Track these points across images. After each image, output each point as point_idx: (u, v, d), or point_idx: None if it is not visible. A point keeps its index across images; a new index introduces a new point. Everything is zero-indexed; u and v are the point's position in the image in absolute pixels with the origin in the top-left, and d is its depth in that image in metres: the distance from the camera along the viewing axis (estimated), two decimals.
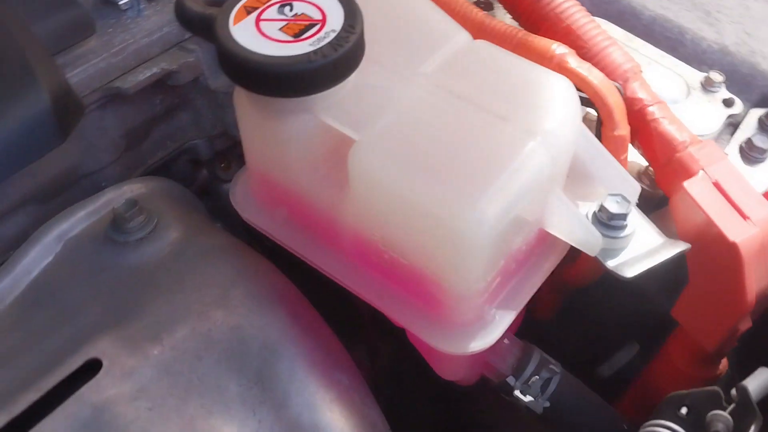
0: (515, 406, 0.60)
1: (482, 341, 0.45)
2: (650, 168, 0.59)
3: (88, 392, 0.46)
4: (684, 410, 0.47)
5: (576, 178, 0.48)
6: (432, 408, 0.74)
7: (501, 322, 0.46)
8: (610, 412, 0.58)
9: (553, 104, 0.45)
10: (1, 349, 0.50)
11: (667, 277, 0.60)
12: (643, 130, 0.54)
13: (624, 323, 0.69)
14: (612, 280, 0.60)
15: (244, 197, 0.55)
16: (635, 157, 0.59)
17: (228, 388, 0.48)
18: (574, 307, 0.70)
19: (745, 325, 0.53)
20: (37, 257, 0.56)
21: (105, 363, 0.48)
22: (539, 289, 0.50)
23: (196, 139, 0.70)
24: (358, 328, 0.72)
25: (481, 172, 0.41)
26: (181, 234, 0.57)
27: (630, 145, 0.55)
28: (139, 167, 0.66)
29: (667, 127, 0.53)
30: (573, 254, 0.52)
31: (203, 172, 0.76)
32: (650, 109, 0.54)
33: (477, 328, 0.46)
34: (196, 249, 0.56)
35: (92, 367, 0.48)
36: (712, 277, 0.52)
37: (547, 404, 0.56)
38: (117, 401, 0.46)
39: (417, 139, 0.43)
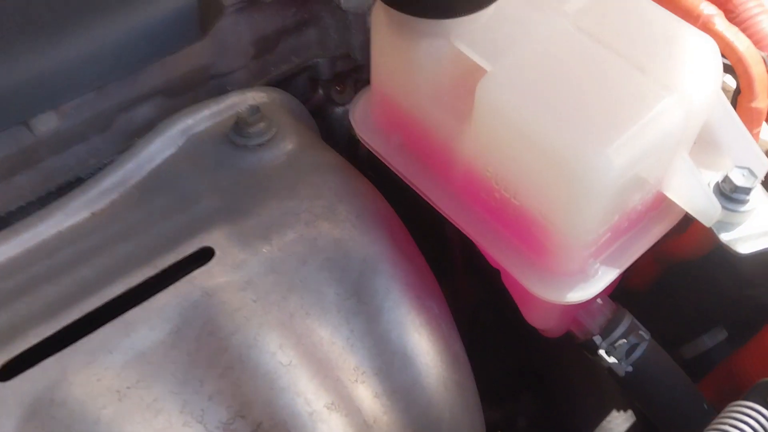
0: (595, 367, 0.62)
1: (581, 293, 0.47)
2: None
3: (200, 276, 0.50)
4: None
5: (703, 144, 0.48)
6: (508, 357, 0.76)
7: (603, 277, 0.47)
8: (693, 389, 0.58)
9: (694, 64, 0.45)
10: (122, 226, 0.55)
11: None
12: None
13: (718, 306, 0.69)
14: (717, 258, 0.60)
15: (363, 117, 0.57)
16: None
17: (327, 295, 0.51)
18: (671, 281, 0.70)
19: None
20: (161, 147, 0.60)
21: (217, 252, 0.52)
22: (640, 257, 0.50)
23: (319, 58, 0.72)
24: (447, 265, 0.74)
25: (613, 120, 0.41)
26: (296, 146, 0.60)
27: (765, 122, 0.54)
28: (263, 77, 0.69)
29: None
30: (683, 225, 0.52)
31: (319, 92, 0.78)
32: None
33: (577, 280, 0.47)
34: (309, 162, 0.59)
35: (205, 255, 0.52)
36: None
37: (630, 369, 0.57)
38: (226, 289, 0.50)
39: (550, 77, 0.43)
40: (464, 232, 0.51)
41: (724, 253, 0.58)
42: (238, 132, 0.59)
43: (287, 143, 0.60)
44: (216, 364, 0.47)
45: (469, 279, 0.73)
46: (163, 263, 0.51)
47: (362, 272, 0.52)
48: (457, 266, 0.72)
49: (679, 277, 0.67)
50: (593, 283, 0.47)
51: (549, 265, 0.47)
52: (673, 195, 0.47)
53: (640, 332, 0.57)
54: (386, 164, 0.55)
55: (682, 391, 0.57)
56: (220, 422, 0.46)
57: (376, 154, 0.55)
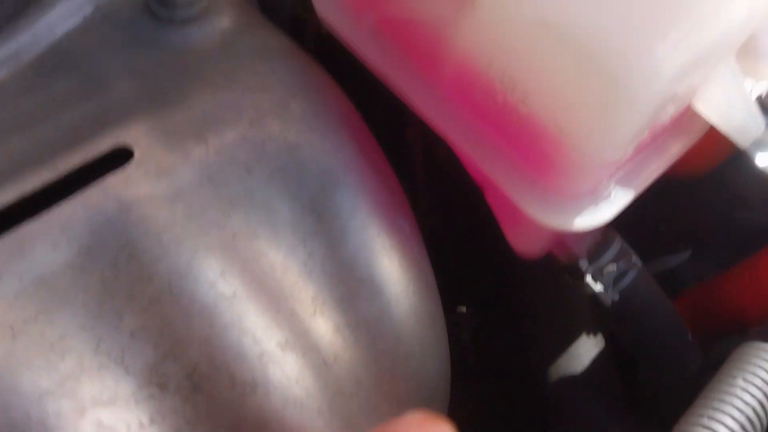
0: (575, 295, 0.56)
1: (592, 219, 0.40)
2: None
3: (115, 184, 0.40)
4: None
5: (745, 49, 0.40)
6: (480, 281, 0.71)
7: (616, 201, 0.40)
8: (679, 322, 0.54)
9: None
10: (11, 113, 0.44)
11: None
12: None
13: (707, 225, 0.64)
14: (718, 176, 0.55)
15: None
16: None
17: (279, 211, 0.42)
18: (660, 195, 0.64)
19: None
20: (63, 15, 0.48)
21: (136, 153, 0.42)
22: None
23: None
24: (406, 178, 0.66)
25: (664, 13, 0.33)
26: (234, 24, 0.49)
27: None
28: None
29: None
30: None
31: None
32: None
33: (586, 203, 0.40)
34: (251, 44, 0.49)
35: (120, 156, 0.42)
36: None
37: (617, 298, 0.52)
38: (149, 201, 0.40)
39: None
40: (450, 142, 0.43)
41: (723, 171, 0.53)
42: (160, 1, 0.48)
43: (223, 19, 0.49)
44: (139, 294, 0.38)
45: (429, 194, 0.66)
46: (66, 165, 0.41)
47: (322, 185, 0.43)
48: (418, 179, 0.64)
49: (670, 194, 0.61)
50: (605, 207, 0.40)
51: (555, 185, 0.40)
52: (706, 108, 0.39)
53: (632, 259, 0.51)
54: (355, 54, 0.45)
55: (668, 324, 0.53)
56: (145, 364, 0.38)
57: (342, 41, 0.46)
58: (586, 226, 0.40)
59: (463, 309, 0.71)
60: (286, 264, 0.42)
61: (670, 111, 0.38)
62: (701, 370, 0.54)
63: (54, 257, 0.38)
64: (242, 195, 0.42)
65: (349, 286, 0.43)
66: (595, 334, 0.62)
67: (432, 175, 0.65)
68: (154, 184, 0.41)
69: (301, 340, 0.40)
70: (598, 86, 0.34)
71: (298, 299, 0.41)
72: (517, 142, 0.40)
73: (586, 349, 0.62)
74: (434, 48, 0.41)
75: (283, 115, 0.45)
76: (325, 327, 0.42)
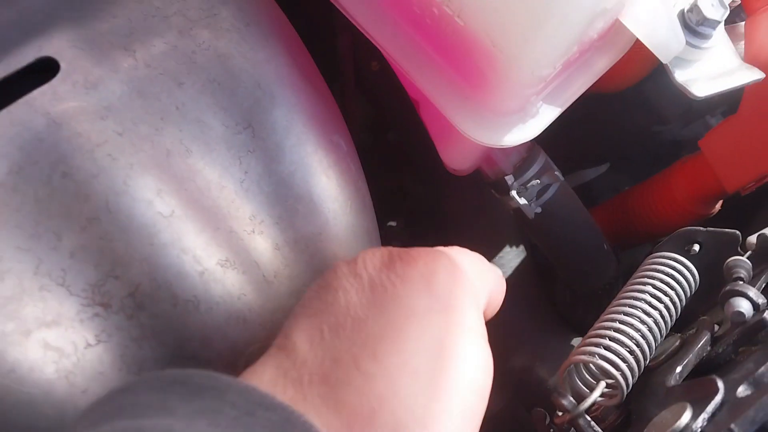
0: (499, 208, 0.59)
1: (520, 135, 0.42)
2: None
3: (42, 98, 0.39)
4: (696, 247, 0.47)
5: None
6: (410, 196, 0.72)
7: (543, 117, 0.42)
8: (596, 231, 0.58)
9: None
10: None
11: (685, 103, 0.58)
12: None
13: (626, 139, 0.68)
14: (637, 91, 0.58)
15: None
16: None
17: (212, 127, 0.42)
18: (583, 110, 0.67)
19: None
20: None
21: (63, 65, 0.40)
22: None
23: None
24: (336, 88, 0.66)
25: None
26: None
27: None
28: None
29: None
30: None
31: None
32: None
33: (516, 120, 0.42)
34: None
35: (45, 68, 0.41)
36: (764, 116, 0.50)
37: (539, 210, 0.55)
38: (79, 116, 0.39)
39: None
40: (385, 55, 0.43)
41: (643, 87, 0.56)
42: None
43: None
44: (76, 214, 0.38)
45: (360, 107, 0.66)
46: None
47: (256, 100, 0.43)
48: (348, 89, 0.65)
49: (591, 107, 0.64)
50: (533, 124, 0.42)
51: (487, 101, 0.41)
52: (630, 23, 0.41)
53: (555, 172, 0.54)
54: None
55: (586, 233, 0.57)
56: (87, 284, 0.38)
57: None
58: (514, 142, 0.42)
59: (393, 223, 0.73)
60: (222, 182, 0.42)
61: (599, 25, 0.40)
62: (615, 277, 0.59)
63: None
64: (173, 110, 0.42)
65: (287, 205, 0.43)
66: (517, 245, 0.66)
67: (363, 88, 0.65)
68: (83, 98, 0.40)
69: (241, 257, 0.41)
70: (531, 3, 0.35)
71: (236, 218, 0.42)
72: (452, 56, 0.41)
73: (509, 259, 0.65)
74: None
75: (213, 24, 0.44)
76: (264, 245, 0.43)
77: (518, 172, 0.54)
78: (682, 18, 0.42)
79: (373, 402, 0.30)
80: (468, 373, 0.31)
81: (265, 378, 0.32)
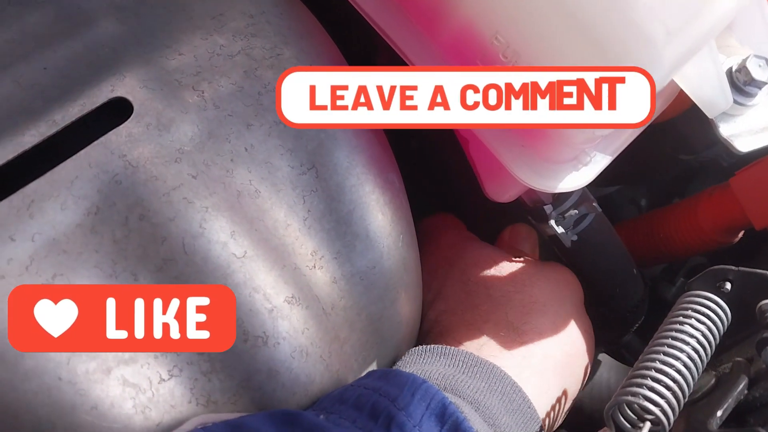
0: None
1: (573, 182, 0.44)
2: None
3: (118, 140, 0.41)
4: (728, 286, 0.50)
5: None
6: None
7: (596, 165, 0.45)
8: (628, 257, 0.61)
9: None
10: None
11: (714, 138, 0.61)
12: None
13: (649, 165, 0.71)
14: (667, 124, 0.60)
15: None
16: None
17: (278, 168, 0.44)
18: None
19: None
20: None
21: (135, 107, 0.42)
22: None
23: None
24: None
25: (665, 3, 0.36)
26: None
27: None
28: None
29: None
30: None
31: None
32: None
33: (570, 168, 0.45)
34: None
35: (118, 108, 0.43)
36: None
37: (575, 238, 0.57)
38: (154, 159, 0.41)
39: None
40: (391, 43, 0.45)
41: (675, 121, 0.59)
42: None
43: None
44: (152, 255, 0.40)
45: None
46: (64, 118, 0.41)
47: (320, 141, 0.46)
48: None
49: None
50: (585, 172, 0.45)
51: (544, 153, 0.44)
52: (683, 81, 0.44)
53: (593, 203, 0.57)
54: (354, 4, 0.46)
55: (619, 261, 0.60)
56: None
57: None
58: (568, 189, 0.45)
59: None
60: (288, 221, 0.44)
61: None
62: (642, 300, 0.62)
63: (63, 218, 0.39)
64: (243, 151, 0.44)
65: (345, 241, 0.46)
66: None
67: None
68: (156, 140, 0.42)
69: (304, 293, 0.44)
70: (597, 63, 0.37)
71: (299, 255, 0.44)
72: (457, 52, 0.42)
73: None
74: (435, 6, 0.43)
75: (277, 65, 0.46)
76: (323, 279, 0.45)
77: (557, 202, 0.56)
78: (730, 77, 0.45)
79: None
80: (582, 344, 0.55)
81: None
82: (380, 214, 0.47)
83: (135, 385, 0.39)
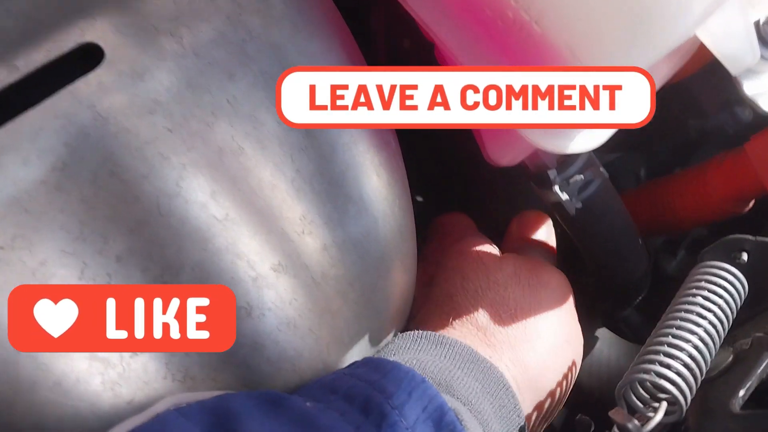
0: (537, 201, 0.59)
1: (586, 144, 0.41)
2: None
3: (87, 89, 0.37)
4: (745, 257, 0.47)
5: None
6: (446, 191, 0.71)
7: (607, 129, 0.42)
8: (633, 228, 0.58)
9: None
10: None
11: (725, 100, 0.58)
12: None
13: (656, 130, 0.67)
14: (677, 85, 0.57)
15: None
16: None
17: (264, 123, 0.41)
18: None
19: None
20: None
21: (107, 53, 0.38)
22: None
23: None
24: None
25: None
26: None
27: None
28: None
29: None
30: None
31: None
32: None
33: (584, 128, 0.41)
34: None
35: (88, 55, 0.38)
36: None
37: (580, 206, 0.54)
38: (126, 110, 0.37)
39: None
40: (445, 48, 0.42)
41: (687, 81, 0.55)
42: None
43: None
44: (124, 215, 0.37)
45: None
46: (27, 64, 0.37)
47: None
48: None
49: None
50: (599, 133, 0.42)
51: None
52: (706, 36, 0.40)
53: (600, 169, 0.53)
54: None
55: (624, 230, 0.57)
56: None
57: None
58: (579, 150, 0.42)
59: (420, 198, 0.72)
60: (274, 181, 0.41)
61: (684, 44, 0.39)
62: (646, 273, 0.59)
63: (26, 174, 0.36)
64: (225, 103, 0.40)
65: (337, 204, 0.42)
66: None
67: (393, 66, 0.63)
68: (130, 89, 0.38)
69: (292, 260, 0.41)
70: (625, 17, 0.34)
71: (287, 219, 0.41)
72: (522, 62, 0.40)
73: None
74: None
75: (264, 11, 0.42)
76: (313, 246, 0.42)
77: (562, 167, 0.53)
78: (758, 30, 0.42)
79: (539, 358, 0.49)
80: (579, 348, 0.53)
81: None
82: (375, 176, 0.44)
83: (103, 359, 0.36)
